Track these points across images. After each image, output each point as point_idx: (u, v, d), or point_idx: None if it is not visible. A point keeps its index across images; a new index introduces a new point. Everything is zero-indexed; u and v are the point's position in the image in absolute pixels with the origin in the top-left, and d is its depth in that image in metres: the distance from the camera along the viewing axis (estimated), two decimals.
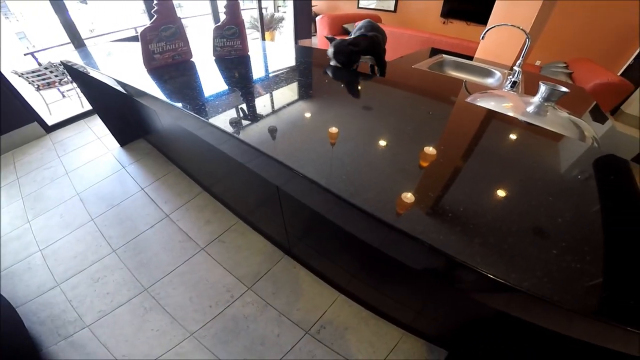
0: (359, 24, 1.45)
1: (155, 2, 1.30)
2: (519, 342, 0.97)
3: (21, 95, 2.67)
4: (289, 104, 1.08)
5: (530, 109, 1.07)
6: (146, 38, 1.34)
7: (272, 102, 1.10)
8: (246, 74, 1.38)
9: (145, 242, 1.79)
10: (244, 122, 0.96)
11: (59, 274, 1.64)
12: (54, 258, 1.73)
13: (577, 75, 2.95)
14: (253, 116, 1.00)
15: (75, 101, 3.46)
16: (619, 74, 3.82)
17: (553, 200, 0.63)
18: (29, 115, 2.76)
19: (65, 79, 3.26)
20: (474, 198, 0.62)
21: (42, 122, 2.88)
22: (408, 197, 0.64)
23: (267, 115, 1.01)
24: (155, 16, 1.33)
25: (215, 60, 1.52)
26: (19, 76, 2.94)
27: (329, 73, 1.35)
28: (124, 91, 1.45)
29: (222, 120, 0.96)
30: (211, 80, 1.33)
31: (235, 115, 1.00)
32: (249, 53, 1.58)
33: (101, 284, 1.59)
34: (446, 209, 0.59)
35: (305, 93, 1.18)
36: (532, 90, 1.57)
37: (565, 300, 0.44)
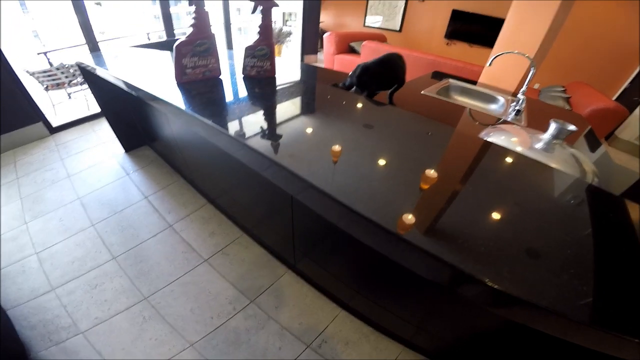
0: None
1: (193, 16, 1.32)
2: (518, 358, 1.00)
3: (29, 95, 2.68)
4: (316, 126, 1.14)
5: (539, 145, 1.13)
6: (181, 52, 1.36)
7: (303, 123, 1.16)
8: (276, 95, 1.42)
9: (146, 251, 1.78)
10: (277, 141, 1.02)
11: (54, 279, 1.61)
12: (51, 262, 1.70)
13: (575, 99, 3.04)
14: (282, 135, 1.06)
15: (82, 103, 3.47)
16: (615, 97, 3.92)
17: (564, 236, 0.71)
18: (35, 115, 2.76)
19: (75, 81, 3.27)
20: (500, 234, 0.70)
21: (47, 123, 2.88)
22: (439, 226, 0.71)
23: (298, 135, 1.07)
24: (192, 30, 1.35)
25: (243, 78, 1.55)
26: (30, 75, 2.95)
27: (352, 99, 1.44)
28: (138, 97, 1.47)
29: (259, 141, 1.02)
30: (244, 99, 1.37)
31: (269, 134, 1.06)
32: (275, 74, 1.61)
33: (99, 290, 1.57)
34: (479, 243, 0.66)
35: (328, 117, 1.24)
36: (534, 119, 1.63)
37: (575, 315, 0.53)
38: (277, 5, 1.42)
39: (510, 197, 0.83)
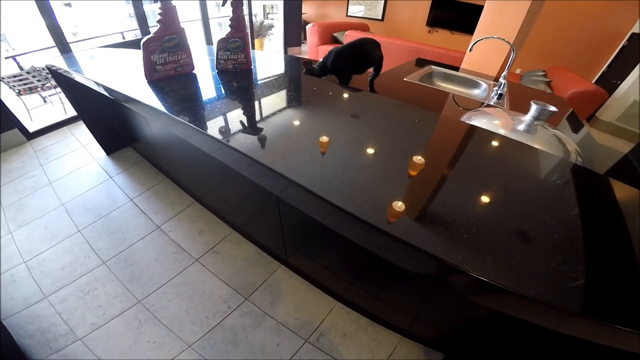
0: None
1: (159, 12, 1.28)
2: (513, 344, 1.02)
3: (1, 100, 2.57)
4: (296, 119, 1.11)
5: (521, 127, 1.15)
6: (148, 48, 1.31)
7: (282, 117, 1.13)
8: (252, 89, 1.39)
9: (136, 254, 1.77)
10: (254, 138, 0.98)
11: (46, 287, 1.59)
12: (40, 270, 1.68)
13: (555, 83, 3.11)
14: (261, 131, 1.03)
15: (58, 107, 3.36)
16: (594, 80, 4.02)
17: (549, 218, 0.70)
18: (9, 121, 2.65)
19: (48, 84, 3.17)
20: (484, 219, 0.69)
21: (22, 129, 2.78)
22: (422, 216, 0.70)
23: (276, 129, 1.03)
24: (159, 26, 1.31)
25: (218, 73, 1.51)
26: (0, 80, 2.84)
27: (332, 88, 1.41)
28: (111, 97, 1.43)
29: (234, 138, 0.99)
30: (218, 95, 1.32)
31: (244, 130, 1.03)
32: (252, 67, 1.57)
33: (92, 296, 1.55)
34: (461, 230, 0.65)
35: (309, 109, 1.21)
36: (516, 102, 1.65)
37: (565, 304, 0.52)
38: None
39: (495, 180, 0.83)
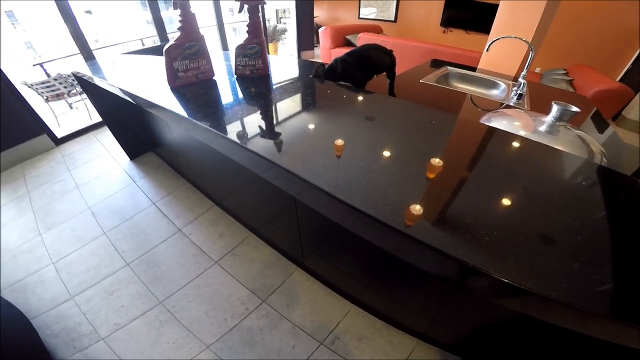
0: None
1: (179, 19, 1.31)
2: (534, 348, 1.00)
3: (31, 107, 2.71)
4: (313, 123, 1.12)
5: (542, 128, 1.12)
6: (171, 56, 1.35)
7: (300, 121, 1.14)
8: (269, 94, 1.40)
9: (158, 256, 1.82)
10: (273, 141, 1.00)
11: (72, 287, 1.66)
12: (67, 271, 1.75)
13: (578, 82, 3.00)
14: (280, 135, 1.04)
15: (84, 113, 3.50)
16: (617, 79, 3.86)
17: (572, 220, 0.68)
18: (38, 127, 2.79)
19: (74, 91, 3.30)
20: (505, 222, 0.68)
21: (51, 135, 2.91)
22: (443, 217, 0.70)
23: (294, 133, 1.05)
24: (179, 33, 1.34)
25: (236, 79, 1.54)
26: (29, 87, 2.97)
27: (349, 91, 1.41)
28: (135, 103, 1.48)
29: (253, 142, 1.01)
30: (238, 100, 1.35)
31: (263, 134, 1.05)
32: (269, 72, 1.59)
33: (115, 297, 1.61)
34: (482, 233, 0.65)
35: (326, 112, 1.22)
36: (537, 102, 1.61)
37: (588, 306, 0.51)
38: (264, 2, 1.40)
39: (516, 182, 0.81)
